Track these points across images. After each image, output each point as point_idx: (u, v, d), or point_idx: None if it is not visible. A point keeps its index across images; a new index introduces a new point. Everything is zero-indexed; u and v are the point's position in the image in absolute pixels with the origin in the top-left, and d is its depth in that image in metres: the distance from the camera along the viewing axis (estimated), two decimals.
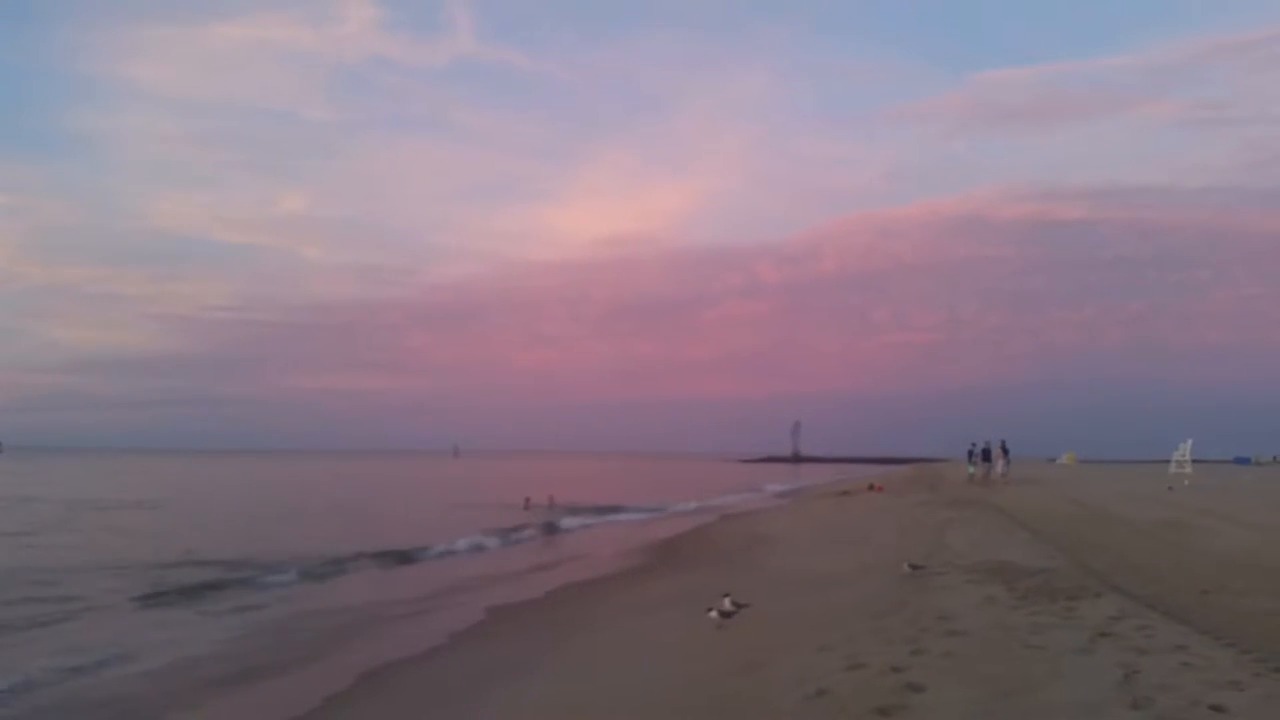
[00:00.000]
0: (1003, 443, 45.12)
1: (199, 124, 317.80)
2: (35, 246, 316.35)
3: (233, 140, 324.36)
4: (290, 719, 11.08)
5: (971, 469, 44.83)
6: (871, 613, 11.67)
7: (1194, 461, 58.43)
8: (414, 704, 11.39)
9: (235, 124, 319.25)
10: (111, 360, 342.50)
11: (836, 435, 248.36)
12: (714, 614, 12.80)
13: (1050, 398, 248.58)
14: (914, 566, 14.84)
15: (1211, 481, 43.86)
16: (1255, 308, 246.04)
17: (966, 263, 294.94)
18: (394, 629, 16.68)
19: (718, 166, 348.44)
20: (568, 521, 39.76)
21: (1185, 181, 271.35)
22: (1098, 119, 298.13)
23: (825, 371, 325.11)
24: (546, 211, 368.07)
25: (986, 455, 44.67)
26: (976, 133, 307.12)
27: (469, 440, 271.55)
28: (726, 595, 13.34)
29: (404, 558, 26.40)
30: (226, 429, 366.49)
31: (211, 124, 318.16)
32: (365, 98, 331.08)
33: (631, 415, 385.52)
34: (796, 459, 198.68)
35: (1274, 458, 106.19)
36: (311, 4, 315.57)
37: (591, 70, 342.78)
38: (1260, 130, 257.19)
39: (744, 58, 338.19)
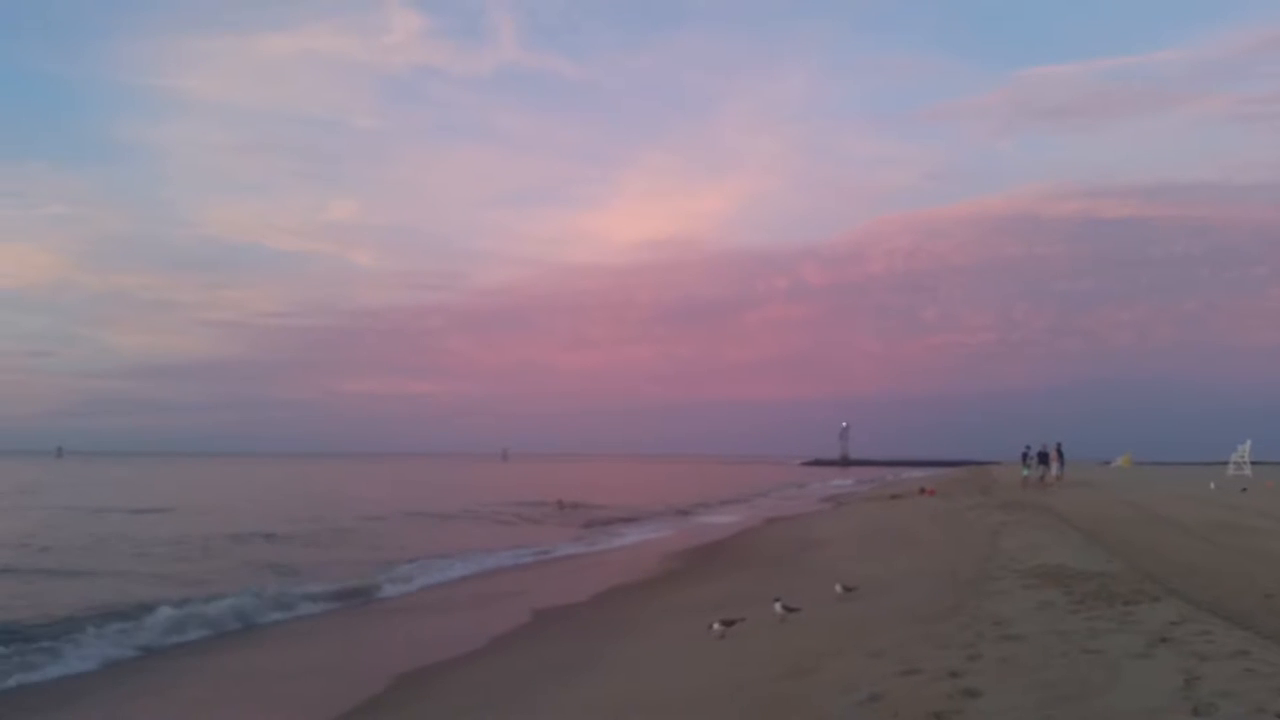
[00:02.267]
0: (1058, 445, 44.51)
1: (249, 133, 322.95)
2: (91, 255, 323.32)
3: (283, 149, 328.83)
4: None
5: (1026, 471, 44.24)
6: (924, 617, 11.56)
7: (1253, 463, 57.36)
8: (452, 707, 11.44)
9: (285, 132, 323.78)
10: (166, 366, 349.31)
11: (886, 438, 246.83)
12: (716, 626, 12.80)
13: (1104, 399, 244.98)
14: (846, 588, 14.52)
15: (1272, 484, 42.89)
16: None
17: (1015, 262, 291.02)
18: (434, 631, 16.79)
19: (760, 168, 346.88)
20: (613, 524, 39.90)
21: (1237, 178, 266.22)
22: (1146, 115, 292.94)
23: (873, 374, 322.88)
24: (590, 216, 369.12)
25: (1043, 458, 44.05)
26: (1022, 130, 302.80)
27: (518, 444, 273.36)
28: (777, 600, 13.31)
29: (443, 559, 26.55)
30: (279, 433, 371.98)
31: (262, 133, 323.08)
32: (412, 106, 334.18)
33: (679, 419, 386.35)
34: (845, 462, 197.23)
35: None
36: (358, 14, 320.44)
37: (633, 74, 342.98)
38: None
39: (784, 57, 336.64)
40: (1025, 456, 44.93)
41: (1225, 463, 58.89)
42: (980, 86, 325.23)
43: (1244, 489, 37.67)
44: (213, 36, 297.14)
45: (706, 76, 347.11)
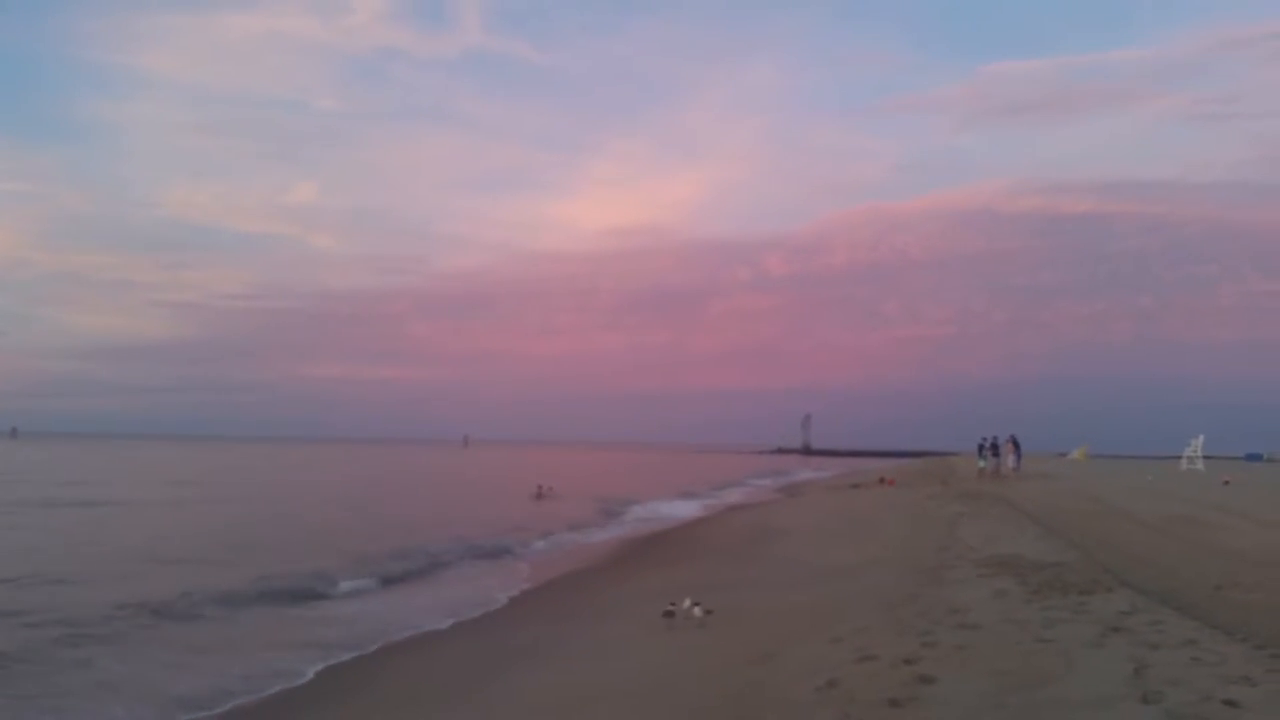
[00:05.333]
0: (1012, 437, 44.96)
1: (210, 113, 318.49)
2: (47, 233, 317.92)
3: (244, 129, 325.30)
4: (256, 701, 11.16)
5: (982, 463, 44.72)
6: (883, 605, 11.69)
7: (1206, 457, 58.32)
8: (409, 692, 11.42)
9: (246, 113, 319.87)
10: (123, 347, 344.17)
11: (847, 428, 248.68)
12: (694, 609, 12.79)
13: (1062, 392, 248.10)
14: (668, 613, 13.01)
15: (1223, 478, 43.68)
16: (1264, 304, 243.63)
17: (976, 256, 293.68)
18: (395, 618, 16.67)
19: (726, 158, 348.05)
20: (577, 511, 39.86)
21: (1193, 176, 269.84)
22: (1106, 112, 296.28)
23: (836, 364, 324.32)
24: (555, 202, 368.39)
25: (995, 449, 44.56)
26: (985, 125, 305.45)
27: (479, 430, 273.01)
28: (697, 604, 13.17)
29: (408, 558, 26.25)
30: (237, 416, 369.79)
31: (223, 113, 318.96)
32: (375, 88, 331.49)
33: (641, 407, 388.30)
34: (807, 452, 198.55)
35: None
36: None
37: (600, 61, 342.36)
38: (1270, 125, 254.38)
39: (753, 48, 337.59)
40: (982, 448, 45.44)
41: (1179, 456, 59.84)
42: (943, 80, 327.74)
43: (1226, 481, 38.65)
44: (173, 14, 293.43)
45: (674, 65, 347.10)
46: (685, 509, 42.39)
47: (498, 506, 41.74)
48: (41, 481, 53.78)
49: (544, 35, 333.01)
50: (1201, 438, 58.68)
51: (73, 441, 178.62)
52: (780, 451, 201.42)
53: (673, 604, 13.09)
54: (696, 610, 12.85)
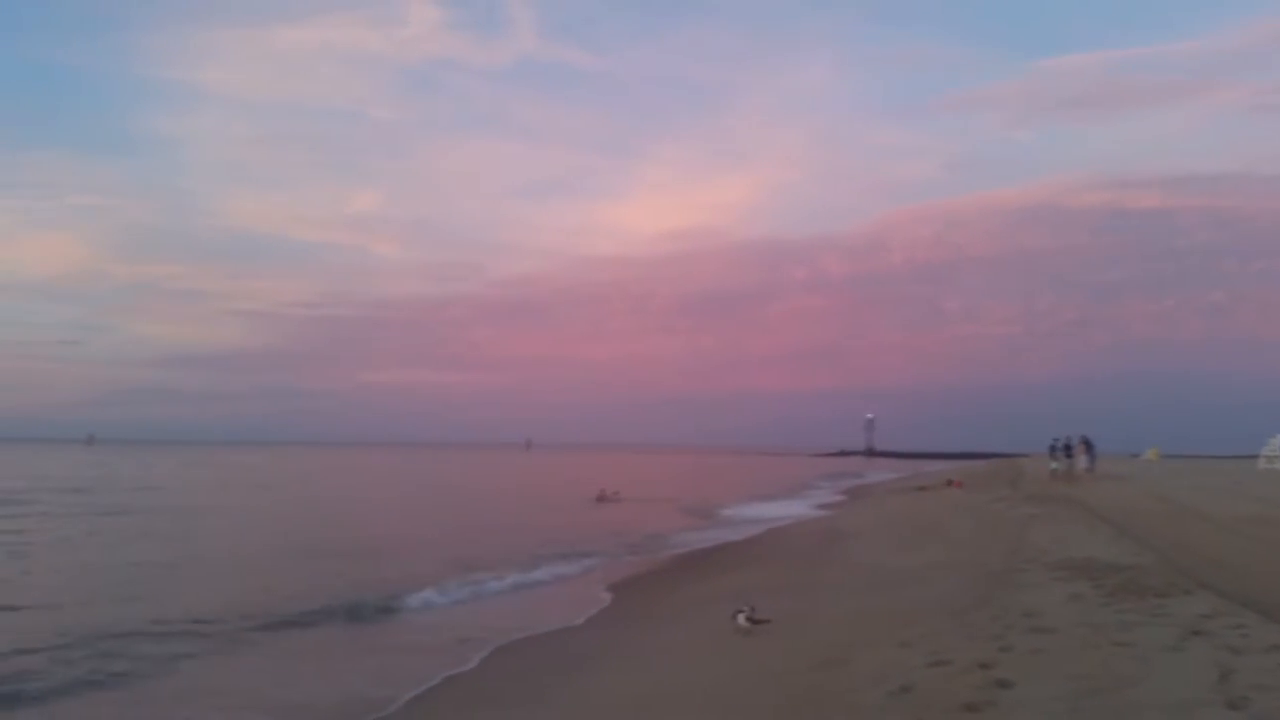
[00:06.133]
0: (1084, 438, 44.14)
1: (272, 125, 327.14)
2: (121, 245, 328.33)
3: (304, 140, 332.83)
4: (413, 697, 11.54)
5: (1055, 465, 43.94)
6: (954, 609, 11.57)
7: None
8: (476, 700, 11.61)
9: (306, 125, 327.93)
10: (194, 355, 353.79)
11: (911, 430, 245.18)
12: (741, 618, 12.77)
13: (1133, 392, 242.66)
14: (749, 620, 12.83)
15: None
16: None
17: (1040, 253, 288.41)
18: (463, 629, 16.85)
19: (779, 159, 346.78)
20: (646, 516, 39.91)
21: (1260, 168, 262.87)
22: (1166, 105, 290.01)
23: (897, 365, 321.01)
24: (610, 207, 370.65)
25: (1069, 450, 43.78)
26: (1042, 121, 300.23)
27: (539, 434, 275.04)
28: (740, 612, 13.07)
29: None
30: (304, 422, 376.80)
31: (284, 125, 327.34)
32: (431, 97, 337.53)
33: (701, 410, 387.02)
34: (871, 454, 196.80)
35: None
36: (375, 6, 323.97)
37: (651, 66, 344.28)
38: None
39: (802, 48, 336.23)
40: (1053, 449, 44.66)
41: (1256, 456, 58.26)
42: (996, 76, 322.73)
43: None
44: (232, 28, 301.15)
45: (725, 68, 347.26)
46: (768, 511, 42.34)
47: (568, 513, 41.98)
48: (133, 489, 55.21)
49: (595, 41, 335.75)
50: None
51: (147, 448, 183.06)
52: (843, 454, 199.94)
53: (742, 609, 13.10)
54: (740, 619, 12.80)
